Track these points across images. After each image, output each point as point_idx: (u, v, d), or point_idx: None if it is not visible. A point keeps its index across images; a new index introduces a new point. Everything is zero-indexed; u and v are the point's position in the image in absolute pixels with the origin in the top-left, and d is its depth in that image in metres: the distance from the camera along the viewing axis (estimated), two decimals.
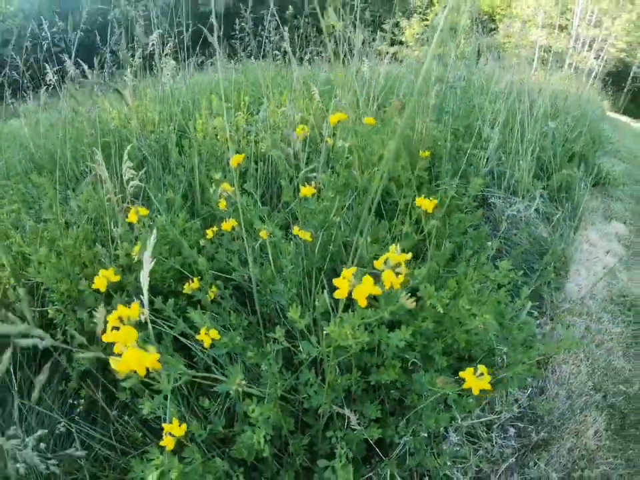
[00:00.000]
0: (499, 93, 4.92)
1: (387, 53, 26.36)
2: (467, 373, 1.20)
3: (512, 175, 3.66)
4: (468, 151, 3.35)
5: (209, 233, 1.98)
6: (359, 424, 1.41)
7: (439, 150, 3.26)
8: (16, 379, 1.77)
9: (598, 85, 30.28)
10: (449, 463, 1.63)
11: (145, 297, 1.17)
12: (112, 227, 2.09)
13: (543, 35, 25.42)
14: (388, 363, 1.65)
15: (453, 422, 1.61)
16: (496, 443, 1.81)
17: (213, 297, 1.92)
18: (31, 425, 1.77)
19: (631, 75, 35.82)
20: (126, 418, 1.84)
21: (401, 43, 32.95)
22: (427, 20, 31.91)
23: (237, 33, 8.79)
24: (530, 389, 2.11)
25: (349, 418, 1.38)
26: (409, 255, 1.11)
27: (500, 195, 3.47)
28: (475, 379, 1.17)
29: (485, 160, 3.57)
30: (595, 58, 28.15)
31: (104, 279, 1.43)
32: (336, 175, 2.06)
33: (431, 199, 1.84)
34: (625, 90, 37.47)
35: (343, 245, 2.16)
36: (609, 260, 3.54)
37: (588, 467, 1.80)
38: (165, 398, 1.21)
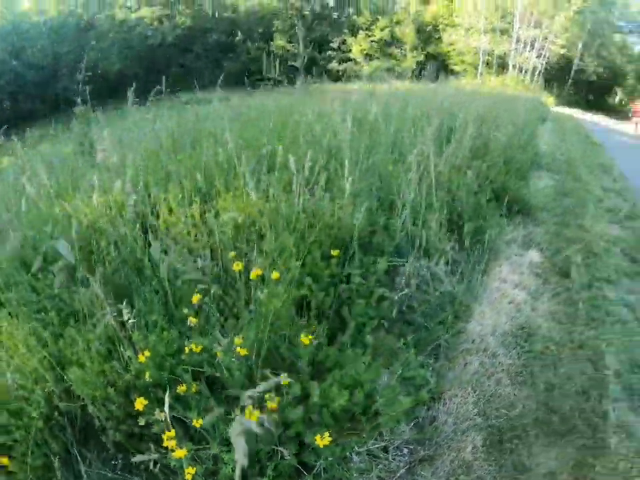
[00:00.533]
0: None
1: (338, 71, 39.64)
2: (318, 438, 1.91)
3: (424, 233, 3.69)
4: (382, 222, 3.68)
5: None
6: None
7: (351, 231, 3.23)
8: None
9: (542, 82, 38.12)
10: (355, 475, 2.20)
11: None
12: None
13: (485, 40, 35.25)
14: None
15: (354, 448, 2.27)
16: (393, 459, 2.34)
17: None
18: None
19: (574, 68, 43.74)
20: None
21: (350, 59, 41.38)
22: (373, 36, 40.91)
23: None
24: (421, 419, 2.57)
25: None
26: None
27: (412, 257, 3.48)
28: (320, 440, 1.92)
29: (401, 224, 3.68)
30: (537, 57, 37.18)
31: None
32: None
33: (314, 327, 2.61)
34: (569, 83, 45.27)
35: None
36: (517, 294, 3.86)
37: (465, 473, 2.27)
38: None
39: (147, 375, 2.10)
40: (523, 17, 36.51)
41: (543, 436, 2.55)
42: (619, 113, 41.61)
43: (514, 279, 4.22)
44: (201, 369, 2.23)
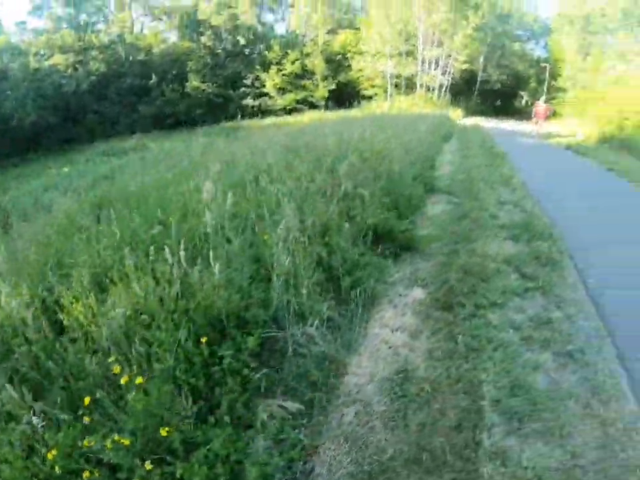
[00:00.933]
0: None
1: (253, 106, 40.46)
2: None
3: (294, 299, 3.64)
4: (257, 294, 3.59)
5: None
6: None
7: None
8: None
9: (449, 97, 40.23)
10: None
11: None
12: None
13: (391, 64, 36.73)
14: None
15: None
16: None
17: None
18: None
19: (478, 80, 46.19)
20: None
21: (264, 94, 42.77)
22: (284, 69, 42.47)
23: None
24: (299, 473, 2.65)
25: None
26: None
27: (288, 323, 3.51)
28: None
29: (277, 292, 3.61)
30: (442, 74, 39.11)
31: None
32: None
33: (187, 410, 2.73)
34: (475, 94, 47.78)
35: None
36: (397, 337, 3.87)
37: None
38: None
39: (57, 468, 2.33)
40: (426, 38, 38.27)
41: (414, 475, 2.62)
42: (524, 114, 44.01)
43: (395, 322, 4.22)
44: (100, 457, 2.42)
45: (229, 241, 4.12)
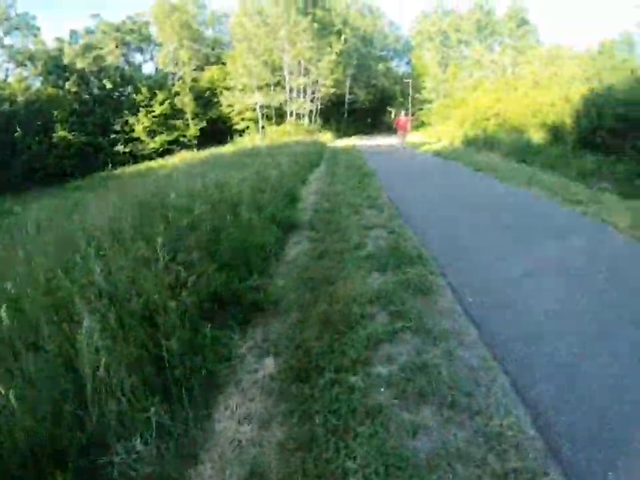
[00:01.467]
0: None
1: (124, 152, 38.36)
2: None
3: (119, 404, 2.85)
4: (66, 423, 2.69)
5: None
6: None
7: None
8: None
9: (320, 122, 40.70)
10: None
11: None
12: None
13: (259, 96, 36.24)
14: None
15: None
16: None
17: None
18: None
19: (346, 101, 47.40)
20: None
21: (135, 139, 41.43)
22: (153, 111, 41.40)
23: None
24: None
25: None
26: None
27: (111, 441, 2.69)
28: None
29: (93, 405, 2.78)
30: (311, 101, 39.26)
31: None
32: None
33: None
34: (345, 115, 48.96)
35: None
36: (244, 430, 3.11)
37: None
38: None
39: None
40: (292, 67, 38.29)
41: None
42: (393, 128, 45.84)
43: (243, 411, 3.36)
44: None
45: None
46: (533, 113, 19.47)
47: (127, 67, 50.07)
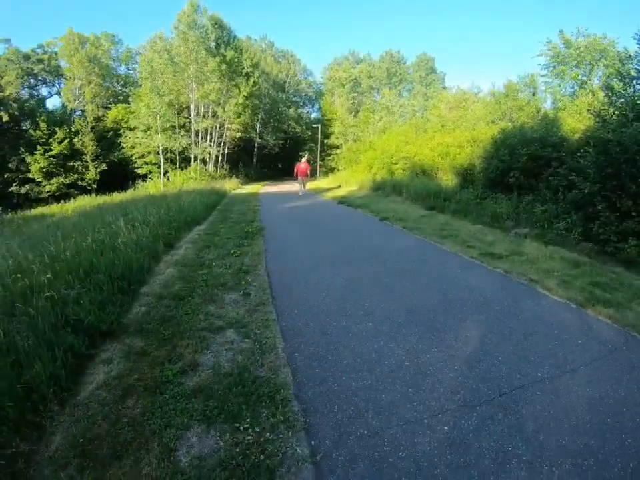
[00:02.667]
0: None
1: (20, 194, 32.75)
2: None
3: None
4: None
5: None
6: None
7: None
8: None
9: (227, 167, 38.56)
10: None
11: None
12: None
13: (161, 138, 33.42)
14: None
15: None
16: None
17: None
18: None
19: (256, 146, 45.94)
20: None
21: (31, 180, 37.53)
22: (51, 150, 37.72)
23: None
24: None
25: None
26: None
27: None
28: None
29: None
30: (218, 145, 36.88)
31: None
32: None
33: None
34: (255, 160, 47.40)
35: None
36: None
37: None
38: None
39: None
40: (199, 109, 36.00)
41: None
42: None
43: None
44: None
45: None
46: (441, 155, 18.48)
47: (29, 100, 45.06)
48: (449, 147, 18.45)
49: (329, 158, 47.94)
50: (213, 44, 35.88)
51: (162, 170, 35.55)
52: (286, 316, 5.10)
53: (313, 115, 62.56)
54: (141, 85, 38.08)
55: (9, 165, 39.43)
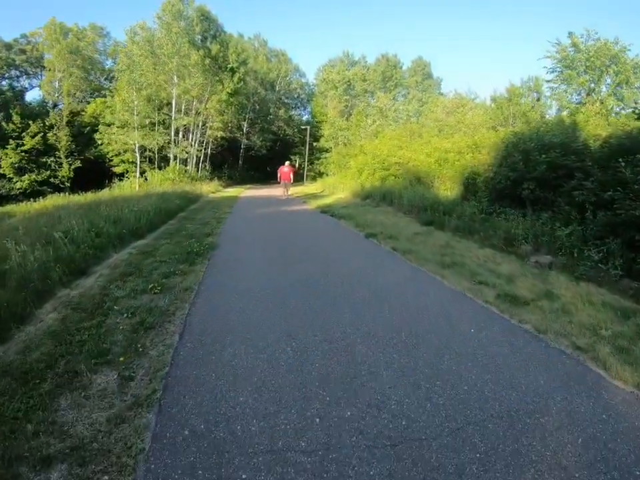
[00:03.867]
0: None
1: None
2: None
3: None
4: None
5: None
6: None
7: None
8: None
9: (209, 167, 36.10)
10: None
11: None
12: None
13: (139, 135, 30.81)
14: None
15: None
16: None
17: None
18: None
19: (242, 147, 43.74)
20: None
21: (2, 176, 35.16)
22: (23, 145, 35.35)
23: None
24: None
25: None
26: None
27: None
28: None
29: None
30: (199, 144, 34.24)
31: None
32: None
33: None
34: (240, 162, 45.33)
35: None
36: None
37: None
38: None
39: None
40: (179, 106, 33.40)
41: None
42: (297, 175, 43.29)
43: None
44: None
45: None
46: (439, 161, 16.43)
47: (4, 92, 41.74)
48: (447, 152, 16.47)
49: (317, 162, 45.73)
50: (198, 37, 33.59)
51: (138, 169, 33.15)
52: (173, 444, 2.73)
53: (305, 118, 60.11)
54: (118, 79, 35.40)
55: None
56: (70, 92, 41.81)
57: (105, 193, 27.59)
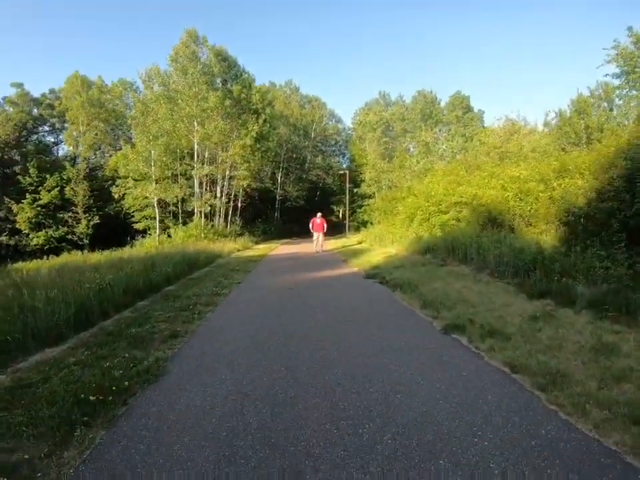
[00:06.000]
0: None
1: (8, 245, 26.13)
2: None
3: None
4: None
5: None
6: None
7: None
8: None
9: (239, 221, 32.50)
10: None
11: None
12: None
13: (157, 189, 27.38)
14: None
15: None
16: None
17: None
18: None
19: (278, 198, 40.23)
20: None
21: (19, 231, 33.32)
22: (40, 200, 33.22)
23: None
24: None
25: None
26: None
27: None
28: None
29: None
30: (227, 196, 30.28)
31: None
32: None
33: None
34: (277, 214, 41.76)
35: None
36: None
37: None
38: None
39: None
40: (200, 153, 30.05)
41: None
42: (340, 227, 41.23)
43: None
44: None
45: None
46: (519, 194, 12.07)
47: (26, 145, 40.84)
48: (527, 182, 12.16)
49: (360, 210, 42.08)
50: (218, 80, 30.81)
51: (157, 225, 29.92)
52: None
53: (345, 165, 56.41)
54: (133, 128, 32.67)
55: None
56: (94, 145, 40.54)
57: (129, 251, 24.29)
